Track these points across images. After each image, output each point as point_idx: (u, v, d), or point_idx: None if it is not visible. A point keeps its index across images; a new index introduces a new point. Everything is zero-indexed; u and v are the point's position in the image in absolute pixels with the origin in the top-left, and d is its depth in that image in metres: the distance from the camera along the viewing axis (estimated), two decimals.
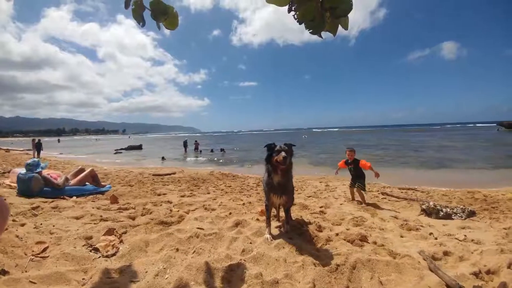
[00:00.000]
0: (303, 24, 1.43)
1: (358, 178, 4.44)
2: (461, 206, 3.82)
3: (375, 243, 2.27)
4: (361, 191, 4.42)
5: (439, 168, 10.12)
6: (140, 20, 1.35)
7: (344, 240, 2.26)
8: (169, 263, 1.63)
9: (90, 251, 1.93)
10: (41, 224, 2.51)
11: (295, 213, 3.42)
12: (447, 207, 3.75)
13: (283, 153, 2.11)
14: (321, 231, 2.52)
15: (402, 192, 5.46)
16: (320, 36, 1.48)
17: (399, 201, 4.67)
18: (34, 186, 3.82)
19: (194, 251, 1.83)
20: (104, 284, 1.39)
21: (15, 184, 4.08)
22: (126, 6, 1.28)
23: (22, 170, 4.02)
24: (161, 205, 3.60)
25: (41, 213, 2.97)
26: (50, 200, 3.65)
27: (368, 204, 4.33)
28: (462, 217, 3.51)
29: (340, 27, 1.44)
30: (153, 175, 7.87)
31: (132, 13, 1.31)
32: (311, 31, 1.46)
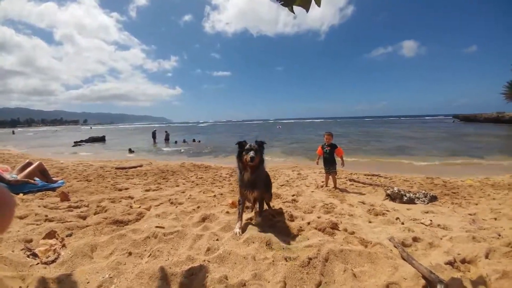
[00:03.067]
0: None
1: (331, 164, 4.55)
2: (423, 191, 4.03)
3: (345, 230, 2.25)
4: (335, 176, 4.58)
5: (400, 156, 10.88)
6: None
7: (316, 229, 2.20)
8: (117, 270, 1.39)
9: (28, 256, 1.63)
10: None
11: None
12: (410, 192, 3.95)
13: (251, 153, 2.16)
14: (293, 221, 2.44)
15: (367, 178, 5.71)
16: (292, 10, 1.32)
17: (365, 187, 4.86)
18: None
19: (150, 254, 1.60)
20: None
21: None
22: None
23: None
24: (120, 201, 3.25)
25: None
26: None
27: (338, 190, 4.45)
28: (424, 201, 3.70)
29: (313, 4, 1.30)
30: (116, 168, 7.24)
31: None
32: (282, 2, 1.30)
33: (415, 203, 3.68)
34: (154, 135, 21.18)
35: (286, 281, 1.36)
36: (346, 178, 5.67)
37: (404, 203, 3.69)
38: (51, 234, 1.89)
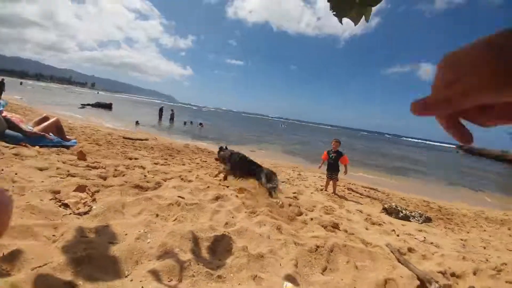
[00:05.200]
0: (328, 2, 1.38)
1: (334, 170, 4.74)
2: (419, 211, 4.27)
3: (346, 231, 2.45)
4: (336, 182, 4.77)
5: (400, 175, 11.13)
6: None
7: (319, 225, 2.39)
8: (149, 227, 1.56)
9: (59, 206, 1.76)
10: (2, 170, 2.22)
11: None
12: (406, 209, 4.17)
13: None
14: (299, 215, 2.63)
15: (365, 190, 5.93)
16: (341, 21, 1.44)
17: (362, 198, 5.08)
18: None
19: (176, 219, 1.78)
20: (79, 243, 1.27)
21: None
22: None
23: None
24: (133, 169, 3.41)
25: (1, 158, 2.62)
26: (11, 146, 3.24)
27: (337, 195, 4.65)
28: (419, 221, 3.90)
29: (362, 19, 1.42)
30: (124, 137, 7.39)
31: None
32: (334, 13, 1.42)
33: (409, 221, 3.88)
34: (161, 112, 21.24)
35: (297, 261, 1.54)
36: (344, 186, 5.87)
37: (400, 219, 3.89)
38: (82, 188, 2.05)
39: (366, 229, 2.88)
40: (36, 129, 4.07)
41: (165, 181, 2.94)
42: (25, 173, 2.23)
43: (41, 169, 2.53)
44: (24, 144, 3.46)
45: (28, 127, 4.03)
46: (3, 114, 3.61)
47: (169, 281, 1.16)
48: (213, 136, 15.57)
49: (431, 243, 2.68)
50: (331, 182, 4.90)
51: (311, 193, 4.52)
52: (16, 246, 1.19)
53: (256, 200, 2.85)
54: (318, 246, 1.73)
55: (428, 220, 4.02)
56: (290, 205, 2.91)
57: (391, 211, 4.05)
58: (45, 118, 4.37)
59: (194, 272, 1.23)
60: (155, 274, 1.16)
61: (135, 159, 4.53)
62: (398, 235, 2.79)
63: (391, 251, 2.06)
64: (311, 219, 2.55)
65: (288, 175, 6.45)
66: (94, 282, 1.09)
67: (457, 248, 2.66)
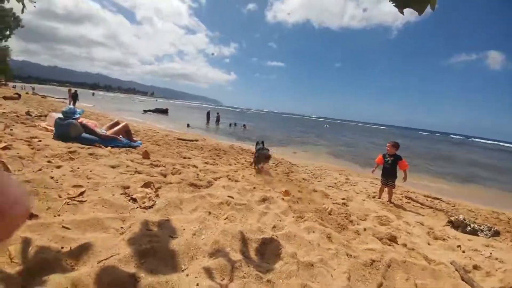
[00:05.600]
0: None
1: (391, 176, 4.31)
2: (488, 225, 3.67)
3: (405, 245, 2.21)
4: (392, 189, 4.34)
5: (467, 183, 9.52)
6: None
7: (373, 236, 2.20)
8: (204, 224, 1.66)
9: (129, 200, 1.99)
10: (78, 168, 2.52)
11: (317, 199, 3.39)
12: (475, 223, 3.62)
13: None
14: (350, 223, 2.47)
15: (427, 200, 5.23)
16: (402, 12, 1.30)
17: (423, 208, 4.49)
18: (71, 132, 4.00)
19: (226, 218, 1.86)
20: (144, 235, 1.40)
21: (52, 128, 4.28)
22: None
23: (60, 115, 4.19)
24: (188, 167, 3.70)
25: (78, 158, 3.03)
26: (87, 146, 3.80)
27: (393, 204, 4.22)
28: (487, 235, 3.40)
29: (428, 7, 1.26)
30: (178, 139, 8.10)
31: None
32: (394, 4, 1.28)
33: (477, 235, 3.37)
34: (208, 115, 22.67)
35: (350, 274, 1.44)
36: (402, 194, 5.29)
37: (467, 233, 3.40)
38: (148, 184, 2.32)
39: (429, 244, 2.56)
40: (109, 132, 4.76)
41: (215, 180, 3.11)
42: (99, 170, 2.59)
43: (113, 167, 2.93)
44: (98, 145, 4.07)
45: (102, 130, 4.74)
46: (79, 120, 4.29)
47: (221, 280, 1.21)
48: (256, 138, 15.86)
49: (496, 258, 2.35)
50: (386, 189, 4.46)
51: (363, 200, 4.21)
52: (86, 239, 1.31)
53: (305, 203, 2.78)
54: (373, 260, 1.59)
55: (496, 234, 3.46)
56: (339, 212, 2.75)
57: (458, 225, 3.52)
58: (116, 123, 5.08)
59: (244, 273, 1.26)
60: (208, 272, 1.23)
61: (189, 158, 4.91)
62: (463, 251, 2.47)
63: (456, 269, 1.88)
64: (364, 229, 2.36)
65: (335, 179, 6.12)
66: (155, 275, 1.15)
67: None
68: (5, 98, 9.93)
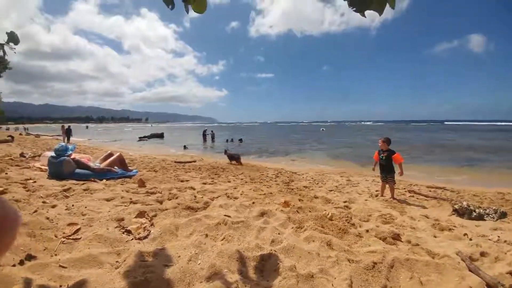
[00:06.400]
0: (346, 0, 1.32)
1: (389, 172, 4.29)
2: (493, 207, 3.62)
3: (409, 242, 2.17)
4: (393, 185, 4.30)
5: (468, 167, 9.50)
6: (170, 3, 1.33)
7: (376, 237, 2.17)
8: (200, 248, 1.62)
9: (123, 233, 1.95)
10: (72, 205, 2.52)
11: (318, 206, 3.35)
12: (480, 207, 3.58)
13: None
14: (351, 227, 2.43)
15: (430, 191, 5.19)
16: (364, 15, 1.35)
17: (428, 200, 4.44)
18: (65, 169, 3.97)
19: (223, 238, 1.82)
20: (139, 267, 1.38)
21: (46, 167, 4.26)
22: None
23: (53, 154, 4.18)
24: (185, 191, 3.67)
25: (72, 195, 3.01)
26: (81, 182, 3.77)
27: (396, 200, 4.17)
28: (494, 218, 3.37)
29: (387, 6, 1.31)
30: (175, 162, 8.09)
31: None
32: (354, 8, 1.34)
33: (484, 220, 3.33)
34: (204, 134, 22.80)
35: (352, 280, 1.40)
36: (404, 189, 5.25)
37: (473, 219, 3.36)
38: (141, 214, 2.29)
39: (435, 236, 2.52)
40: (102, 165, 4.73)
41: (213, 200, 3.08)
42: (94, 205, 2.57)
43: (108, 200, 2.90)
44: (93, 180, 4.04)
45: (96, 164, 4.72)
46: (72, 157, 4.27)
47: None
48: (253, 150, 15.86)
49: (505, 241, 2.31)
50: (387, 186, 4.43)
51: (365, 200, 4.17)
52: (82, 276, 1.32)
53: (305, 212, 2.74)
54: (375, 263, 1.55)
55: (503, 215, 3.42)
56: (340, 216, 2.71)
57: (463, 212, 3.48)
58: (110, 154, 5.08)
59: None
60: None
61: (186, 181, 4.88)
62: (470, 239, 2.43)
63: (462, 259, 1.85)
64: (367, 231, 2.32)
65: (337, 182, 6.09)
66: None
67: None
68: None
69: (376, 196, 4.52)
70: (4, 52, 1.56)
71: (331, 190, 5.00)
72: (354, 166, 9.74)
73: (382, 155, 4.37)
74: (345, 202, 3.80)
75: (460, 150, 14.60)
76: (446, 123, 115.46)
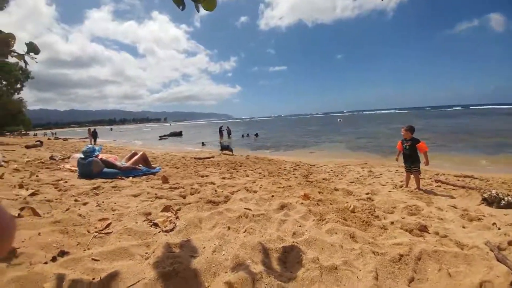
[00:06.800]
0: None
1: (413, 162, 4.10)
2: None
3: (437, 233, 2.08)
4: (418, 175, 4.11)
5: (496, 154, 8.81)
6: (180, 3, 1.34)
7: (401, 229, 2.10)
8: (223, 240, 1.68)
9: (151, 226, 2.06)
10: (103, 202, 2.67)
11: (339, 198, 3.30)
12: (509, 195, 3.35)
13: None
14: (375, 219, 2.37)
15: (458, 180, 4.90)
16: None
17: (455, 189, 4.20)
18: (94, 169, 4.25)
19: (245, 230, 1.87)
20: (167, 258, 1.45)
21: (76, 168, 4.56)
22: None
23: (81, 155, 4.47)
24: (206, 185, 3.78)
25: (102, 192, 3.21)
26: (110, 180, 4.01)
27: (422, 191, 3.99)
28: None
29: None
30: (195, 158, 8.31)
31: None
32: None
33: None
34: (220, 131, 23.14)
35: (377, 272, 1.38)
36: (431, 178, 5.00)
37: (502, 208, 3.16)
38: (167, 208, 2.40)
39: (463, 227, 2.41)
40: (128, 164, 5.00)
41: (233, 194, 3.14)
42: (123, 201, 2.72)
43: (135, 196, 3.07)
44: (120, 177, 4.28)
45: (122, 163, 4.99)
46: (100, 157, 4.55)
47: None
48: (269, 144, 15.84)
49: None
50: (412, 176, 4.24)
51: (389, 191, 4.02)
52: (114, 268, 1.39)
53: (326, 205, 2.72)
54: (402, 255, 1.52)
55: None
56: (363, 208, 2.65)
57: (492, 201, 3.27)
58: (134, 154, 5.34)
59: (266, 284, 1.25)
60: (230, 286, 1.24)
61: (206, 176, 5.01)
62: (499, 228, 2.30)
63: (490, 249, 1.77)
64: (392, 223, 2.26)
65: (358, 173, 5.92)
66: None
67: None
68: (27, 147, 10.48)
69: (401, 187, 4.34)
70: (26, 62, 1.60)
71: (352, 182, 4.88)
72: (376, 157, 9.41)
73: (405, 144, 4.17)
74: (367, 194, 3.70)
75: (487, 137, 13.54)
76: (471, 107, 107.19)
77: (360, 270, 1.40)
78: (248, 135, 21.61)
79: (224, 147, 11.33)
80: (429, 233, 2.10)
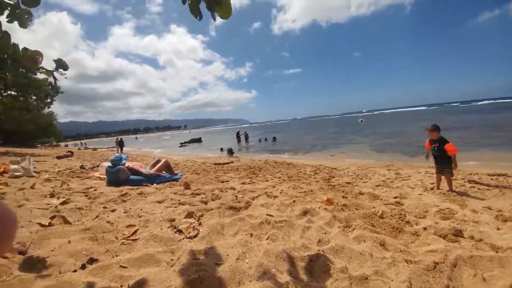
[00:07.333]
0: None
1: (444, 163, 3.81)
2: None
3: (472, 237, 1.94)
4: (450, 177, 3.83)
5: None
6: (197, 14, 1.37)
7: (435, 235, 1.96)
8: (246, 247, 1.66)
9: (175, 232, 2.08)
10: (130, 208, 2.76)
11: (365, 203, 3.16)
12: None
13: None
14: (406, 225, 2.23)
15: (492, 179, 4.50)
16: None
17: (490, 189, 3.86)
18: (121, 176, 4.46)
19: (268, 238, 1.84)
20: (192, 265, 1.45)
21: (104, 176, 4.83)
22: (184, 2, 1.32)
23: (109, 164, 4.71)
24: (226, 191, 3.81)
25: (129, 199, 3.33)
26: (136, 187, 4.17)
27: (455, 193, 3.71)
28: None
29: None
30: (214, 164, 8.45)
31: (189, 7, 1.34)
32: None
33: None
34: (238, 136, 23.41)
35: (411, 282, 1.29)
36: (463, 179, 4.64)
37: None
38: (190, 214, 2.44)
39: (498, 229, 2.21)
40: (152, 171, 5.19)
41: (253, 200, 3.13)
42: (148, 208, 2.81)
43: (159, 202, 3.16)
44: (145, 184, 4.46)
45: (147, 170, 5.19)
46: (126, 165, 4.77)
47: None
48: (288, 148, 15.69)
49: None
50: (443, 178, 3.95)
51: (419, 194, 3.78)
52: (141, 275, 1.40)
53: (351, 210, 2.61)
54: (436, 263, 1.42)
55: None
56: (392, 214, 2.51)
57: None
58: (158, 161, 5.54)
59: None
60: None
61: (226, 181, 5.06)
62: None
63: None
64: (424, 228, 2.11)
65: (383, 176, 5.65)
66: None
67: None
68: (58, 157, 10.98)
69: (432, 189, 4.07)
70: (55, 78, 1.65)
71: (378, 185, 4.66)
72: (403, 158, 8.94)
73: (433, 145, 3.90)
74: (395, 197, 3.51)
75: None
76: (500, 101, 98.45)
77: (393, 280, 1.32)
78: (266, 139, 21.63)
79: (229, 151, 13.73)
80: (464, 238, 1.95)
